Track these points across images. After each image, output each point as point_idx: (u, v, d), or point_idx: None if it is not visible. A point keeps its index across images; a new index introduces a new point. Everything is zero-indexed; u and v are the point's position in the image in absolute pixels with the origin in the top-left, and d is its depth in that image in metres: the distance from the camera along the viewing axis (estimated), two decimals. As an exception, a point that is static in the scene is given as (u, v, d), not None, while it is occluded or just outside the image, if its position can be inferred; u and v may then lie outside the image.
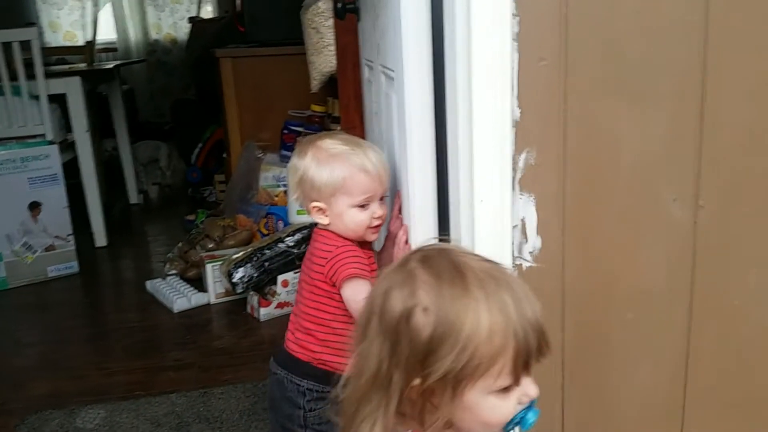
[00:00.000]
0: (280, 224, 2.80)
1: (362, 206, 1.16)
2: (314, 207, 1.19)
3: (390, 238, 1.28)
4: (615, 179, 0.98)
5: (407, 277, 0.71)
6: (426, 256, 0.73)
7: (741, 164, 0.99)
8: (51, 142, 2.87)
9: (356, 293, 1.12)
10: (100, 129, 3.99)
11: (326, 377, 1.17)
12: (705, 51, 0.95)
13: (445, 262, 0.71)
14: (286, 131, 2.94)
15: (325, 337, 1.19)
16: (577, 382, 1.05)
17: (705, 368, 1.06)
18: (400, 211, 1.25)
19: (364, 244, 1.22)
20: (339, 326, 1.18)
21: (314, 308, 1.20)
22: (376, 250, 1.29)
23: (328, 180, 1.15)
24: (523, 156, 0.96)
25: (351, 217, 1.17)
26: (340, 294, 1.16)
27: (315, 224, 1.23)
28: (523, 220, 0.99)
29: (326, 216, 1.18)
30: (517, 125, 0.95)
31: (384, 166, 1.17)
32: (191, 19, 5.10)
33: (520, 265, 1.00)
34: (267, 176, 2.88)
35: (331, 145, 1.18)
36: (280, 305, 2.39)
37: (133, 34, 6.00)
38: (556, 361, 1.04)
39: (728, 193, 1.01)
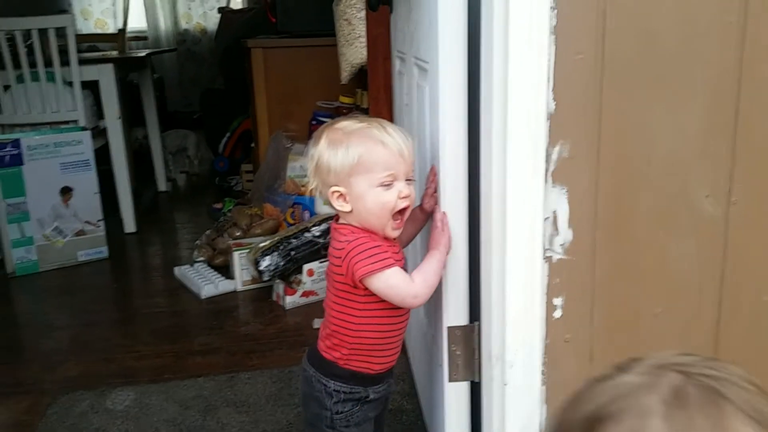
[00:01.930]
0: (307, 214, 2.82)
1: (385, 185, 1.06)
2: (334, 193, 1.09)
3: (421, 214, 1.21)
4: (648, 174, 0.98)
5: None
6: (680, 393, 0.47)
7: (776, 160, 0.99)
8: (84, 128, 2.93)
9: (390, 285, 1.07)
10: (131, 117, 4.05)
11: (354, 378, 1.15)
12: (742, 47, 0.94)
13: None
14: (314, 122, 2.97)
15: (351, 341, 1.13)
16: (605, 374, 1.05)
17: (732, 361, 1.06)
18: (435, 189, 1.17)
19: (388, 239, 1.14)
20: (366, 329, 1.12)
21: (339, 311, 1.14)
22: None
23: (344, 159, 1.06)
24: (556, 148, 0.97)
25: (374, 198, 1.06)
26: (365, 294, 1.10)
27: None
28: (554, 213, 0.99)
29: (347, 202, 1.09)
30: (552, 118, 0.95)
31: (406, 143, 1.08)
32: (221, 9, 5.15)
33: (551, 257, 1.01)
34: (294, 166, 2.91)
35: (347, 124, 1.10)
36: (305, 294, 2.42)
37: (164, 24, 6.07)
38: (584, 354, 1.04)
39: (761, 190, 1.00)
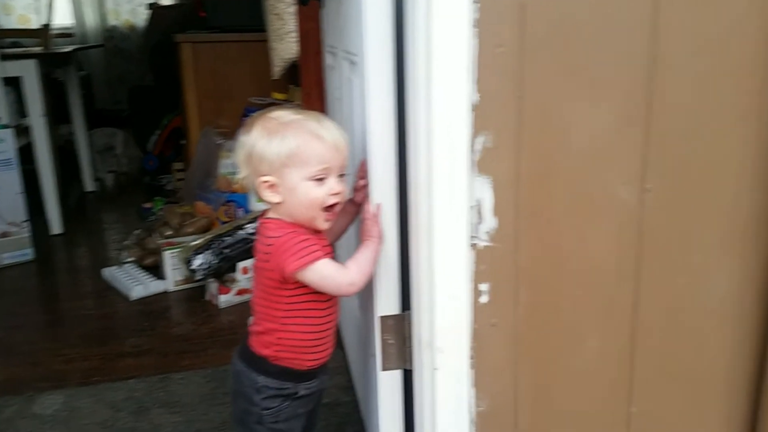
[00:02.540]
0: (240, 212, 2.79)
1: (318, 180, 1.07)
2: (264, 183, 1.08)
3: (351, 207, 1.23)
4: (567, 163, 1.02)
5: None
6: None
7: (685, 149, 1.04)
8: (6, 126, 2.82)
9: (324, 276, 1.08)
10: (56, 115, 3.92)
11: (284, 374, 1.15)
12: (655, 40, 0.99)
13: None
14: (246, 118, 2.93)
15: (280, 335, 1.13)
16: (530, 357, 1.09)
17: (650, 342, 1.11)
18: (365, 182, 1.17)
19: (316, 232, 1.14)
20: (292, 323, 1.13)
21: (266, 306, 1.13)
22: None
23: (279, 149, 1.06)
24: (480, 139, 0.99)
25: (305, 192, 1.07)
26: (293, 291, 1.10)
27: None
28: (479, 201, 1.02)
29: (278, 193, 1.08)
30: (476, 109, 0.98)
31: (341, 138, 1.09)
32: (150, 5, 5.03)
33: (477, 244, 1.03)
34: (227, 163, 2.87)
35: (283, 114, 1.10)
36: (240, 292, 2.40)
37: (91, 20, 5.89)
38: (509, 337, 1.08)
39: (673, 177, 1.06)
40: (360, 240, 1.16)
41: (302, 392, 1.17)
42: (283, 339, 1.14)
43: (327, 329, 1.18)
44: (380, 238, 1.13)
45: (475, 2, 0.94)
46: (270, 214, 1.13)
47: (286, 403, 1.16)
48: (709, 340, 1.15)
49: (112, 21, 5.97)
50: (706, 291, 1.12)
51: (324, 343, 1.18)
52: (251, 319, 1.20)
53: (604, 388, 1.13)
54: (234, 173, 2.88)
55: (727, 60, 1.02)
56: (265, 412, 1.15)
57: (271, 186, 1.09)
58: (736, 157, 1.06)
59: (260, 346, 1.16)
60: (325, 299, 1.15)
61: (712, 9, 1.00)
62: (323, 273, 1.08)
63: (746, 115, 1.04)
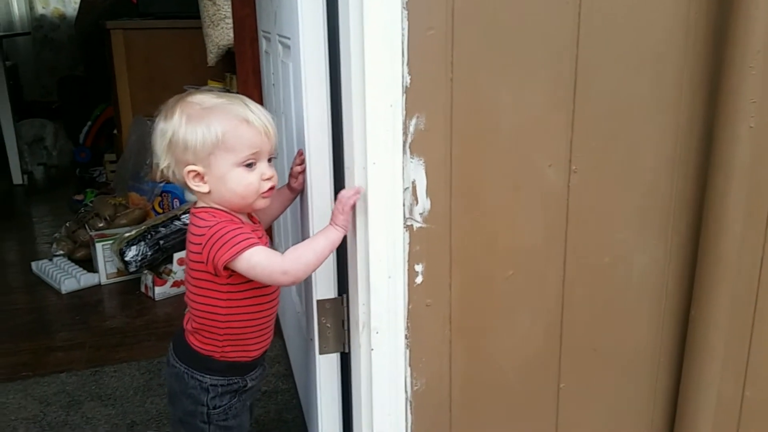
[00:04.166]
0: (176, 202, 2.75)
1: (248, 165, 1.04)
2: (190, 172, 1.03)
3: (287, 192, 1.20)
4: (496, 145, 1.05)
5: None
6: None
7: (609, 131, 1.08)
8: (-77, 115, 2.69)
9: (253, 264, 1.02)
10: (-21, 105, 3.76)
11: (231, 369, 1.12)
12: (578, 26, 1.03)
13: None
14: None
15: (222, 332, 1.10)
16: (463, 336, 1.11)
17: (577, 319, 1.16)
18: (303, 169, 1.16)
19: (251, 216, 1.11)
20: (236, 319, 1.09)
21: (203, 302, 1.09)
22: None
23: (204, 136, 1.01)
24: (413, 121, 1.01)
25: (237, 179, 1.03)
26: (228, 283, 1.06)
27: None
28: (413, 183, 1.04)
29: (205, 182, 1.04)
30: (408, 91, 0.99)
31: (269, 120, 1.06)
32: (80, -7, 4.86)
33: (411, 225, 1.05)
34: (161, 154, 2.82)
35: (205, 98, 1.04)
36: (176, 284, 2.36)
37: (17, 9, 5.67)
38: (443, 317, 1.10)
39: (598, 160, 1.10)
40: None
41: (249, 384, 1.16)
42: (225, 334, 1.10)
43: (269, 317, 1.17)
44: (344, 227, 1.04)
45: (406, -15, 0.95)
46: (200, 204, 1.09)
47: (236, 398, 1.14)
48: (633, 316, 1.20)
49: (41, 10, 5.76)
50: (629, 268, 1.16)
51: (266, 331, 1.17)
52: (186, 315, 1.16)
53: (534, 364, 1.17)
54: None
55: (648, 46, 1.06)
56: (214, 411, 1.12)
57: (198, 175, 1.04)
58: (655, 140, 1.11)
59: (201, 344, 1.12)
60: (266, 290, 1.12)
61: (634, -4, 1.04)
62: (252, 261, 1.02)
63: (666, 97, 1.09)
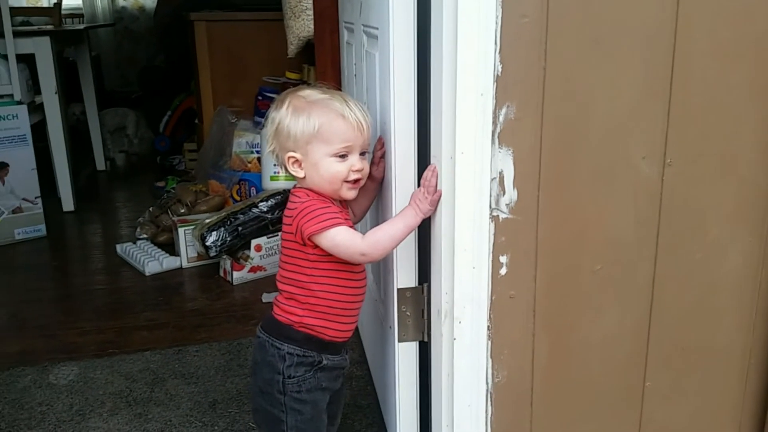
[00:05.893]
0: (253, 190, 2.81)
1: (341, 156, 1.12)
2: (290, 158, 1.14)
3: (372, 185, 1.25)
4: (588, 136, 1.03)
5: None
6: None
7: (706, 123, 1.04)
8: (20, 103, 2.83)
9: (336, 243, 1.10)
10: (67, 94, 3.93)
11: (308, 341, 1.17)
12: (676, 13, 0.99)
13: None
14: (260, 98, 2.94)
15: (306, 300, 1.16)
16: (547, 329, 1.10)
17: (666, 317, 1.12)
18: (383, 156, 1.23)
19: (341, 203, 1.18)
20: (319, 288, 1.15)
21: (292, 270, 1.17)
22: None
23: (305, 127, 1.11)
24: (503, 110, 1.00)
25: (327, 167, 1.12)
26: (314, 253, 1.13)
27: (289, 190, 1.18)
28: (501, 173, 1.03)
29: (302, 168, 1.14)
30: (499, 80, 0.98)
31: (365, 118, 1.14)
32: (160, -15, 5.01)
33: (497, 216, 1.04)
34: (240, 142, 2.89)
35: (311, 93, 1.15)
36: (252, 269, 2.41)
37: (100, 1, 5.89)
38: (527, 309, 1.09)
39: (694, 152, 1.06)
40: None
41: (325, 362, 1.19)
42: (307, 303, 1.16)
43: (354, 299, 1.20)
44: (425, 213, 1.09)
45: (500, -27, 0.94)
46: (298, 185, 1.19)
47: (310, 373, 1.18)
48: (723, 315, 1.16)
49: (122, 2, 5.97)
50: (722, 266, 1.12)
51: (350, 315, 1.20)
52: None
53: (620, 361, 1.14)
54: (247, 152, 2.90)
55: (748, 34, 1.02)
56: (288, 380, 1.17)
57: (296, 161, 1.15)
58: (754, 132, 1.06)
59: (286, 312, 1.18)
60: (353, 267, 1.17)
61: (737, -17, 1.00)
62: (336, 240, 1.11)
63: (765, 89, 1.05)
